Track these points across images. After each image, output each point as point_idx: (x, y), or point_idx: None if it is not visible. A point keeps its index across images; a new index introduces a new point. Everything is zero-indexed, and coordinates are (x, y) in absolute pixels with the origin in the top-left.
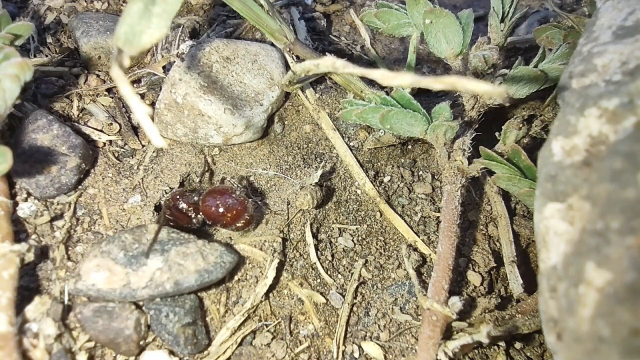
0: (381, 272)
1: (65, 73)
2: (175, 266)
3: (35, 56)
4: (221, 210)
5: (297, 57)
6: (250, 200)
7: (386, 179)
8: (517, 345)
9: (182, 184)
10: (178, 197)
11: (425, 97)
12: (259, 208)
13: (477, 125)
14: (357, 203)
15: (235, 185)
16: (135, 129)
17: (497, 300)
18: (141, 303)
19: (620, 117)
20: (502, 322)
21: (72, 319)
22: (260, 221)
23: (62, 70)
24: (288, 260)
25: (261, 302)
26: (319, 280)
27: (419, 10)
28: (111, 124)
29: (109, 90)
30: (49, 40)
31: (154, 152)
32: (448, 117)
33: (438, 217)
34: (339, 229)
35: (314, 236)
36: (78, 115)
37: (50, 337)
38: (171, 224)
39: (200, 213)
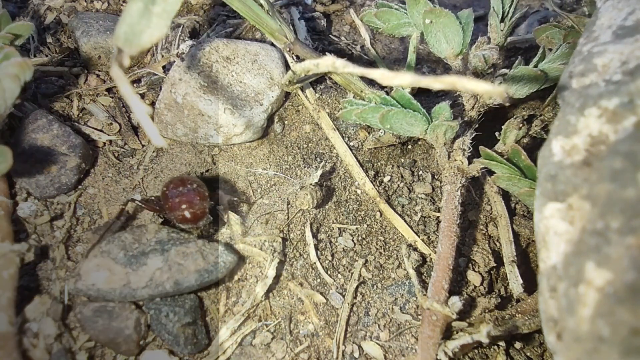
0: (381, 272)
1: (65, 73)
2: (175, 266)
3: (35, 56)
4: (176, 199)
5: (297, 57)
6: (208, 199)
7: (386, 179)
8: (517, 345)
9: None
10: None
11: (425, 97)
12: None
13: (477, 125)
14: (357, 203)
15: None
16: (135, 129)
17: (497, 300)
18: (141, 303)
19: (620, 116)
20: (502, 322)
21: (72, 319)
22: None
23: (62, 70)
24: (288, 260)
25: (261, 302)
26: (319, 280)
27: (419, 10)
28: (111, 123)
29: (109, 90)
30: (49, 40)
31: (154, 152)
32: (448, 116)
33: (438, 217)
34: (339, 228)
35: (314, 236)
36: (78, 115)
37: (50, 336)
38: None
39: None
